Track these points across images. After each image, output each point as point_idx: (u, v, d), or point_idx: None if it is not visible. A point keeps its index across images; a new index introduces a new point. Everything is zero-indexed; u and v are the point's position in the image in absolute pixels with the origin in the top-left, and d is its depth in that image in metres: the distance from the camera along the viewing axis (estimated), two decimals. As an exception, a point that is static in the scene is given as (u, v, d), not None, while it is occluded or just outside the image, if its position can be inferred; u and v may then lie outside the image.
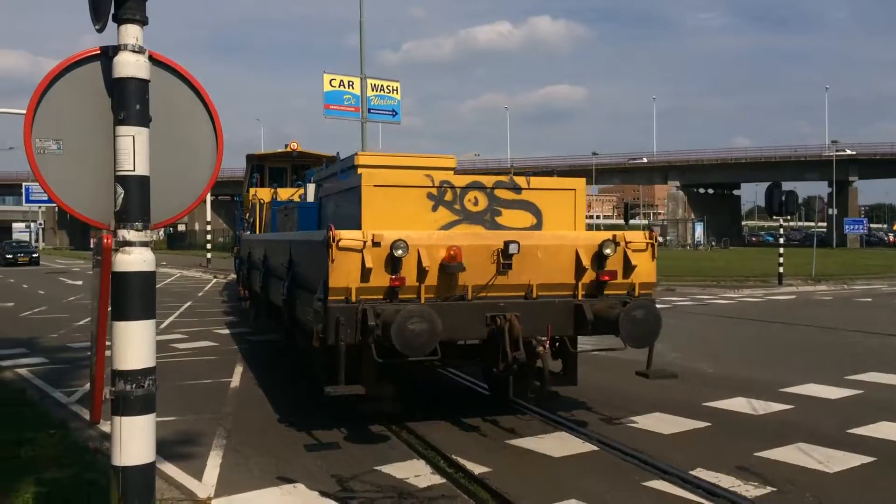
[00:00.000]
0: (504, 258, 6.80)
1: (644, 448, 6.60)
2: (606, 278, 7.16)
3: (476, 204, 7.44)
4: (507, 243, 6.76)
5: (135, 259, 3.05)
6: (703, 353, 12.25)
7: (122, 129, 2.98)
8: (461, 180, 7.59)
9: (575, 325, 7.13)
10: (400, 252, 6.44)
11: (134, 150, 2.97)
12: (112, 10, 2.91)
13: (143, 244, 3.09)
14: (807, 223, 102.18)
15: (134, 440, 3.04)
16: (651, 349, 7.41)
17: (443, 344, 6.49)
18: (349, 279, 6.46)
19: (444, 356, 6.73)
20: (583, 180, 8.13)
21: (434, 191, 7.31)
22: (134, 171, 2.99)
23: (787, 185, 25.65)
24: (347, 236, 6.51)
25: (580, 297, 7.16)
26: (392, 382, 7.29)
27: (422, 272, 6.60)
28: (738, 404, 8.32)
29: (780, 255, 25.85)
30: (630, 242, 7.32)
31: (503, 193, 7.56)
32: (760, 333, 14.69)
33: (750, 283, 26.32)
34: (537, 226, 7.63)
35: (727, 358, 11.79)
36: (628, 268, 7.28)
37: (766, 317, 17.15)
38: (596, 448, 6.68)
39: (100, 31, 2.92)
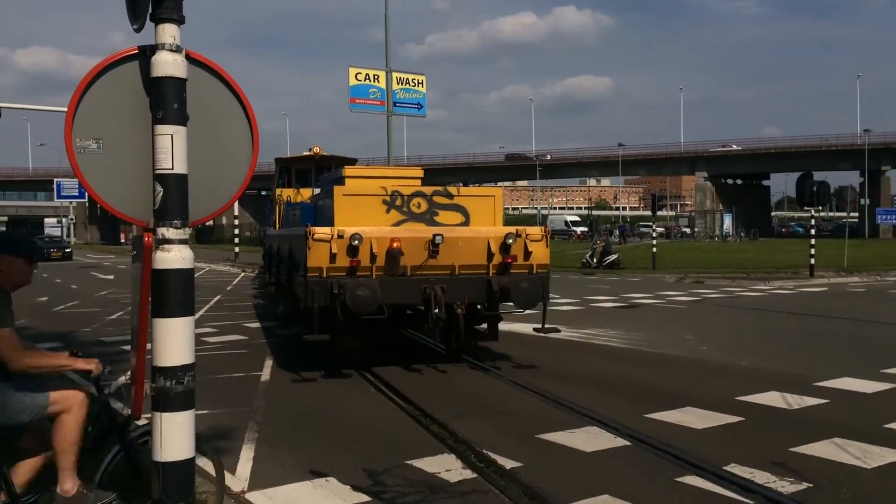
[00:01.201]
0: (433, 246, 9.24)
1: (676, 443, 6.55)
2: (510, 261, 9.60)
3: (419, 207, 9.83)
4: (434, 236, 9.24)
5: (174, 256, 3.07)
6: (734, 346, 12.13)
7: (161, 128, 3.00)
8: (408, 190, 9.91)
9: (486, 294, 9.62)
10: (356, 242, 8.94)
11: (172, 148, 2.99)
12: (150, 10, 2.93)
13: (182, 242, 3.11)
14: (838, 213, 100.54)
15: (174, 436, 3.07)
16: (544, 310, 10.12)
17: (392, 307, 9.44)
18: (321, 261, 9.01)
19: (392, 317, 9.63)
20: (500, 189, 10.93)
21: (388, 198, 9.73)
22: (172, 169, 3.01)
23: (817, 175, 25.26)
24: (320, 231, 9.09)
25: (490, 275, 9.59)
26: (359, 338, 10.06)
27: (373, 256, 9.09)
28: (772, 398, 8.22)
29: (812, 246, 25.49)
30: (529, 235, 9.71)
31: (440, 199, 9.93)
32: (793, 326, 14.51)
33: (781, 275, 25.99)
34: (465, 223, 9.93)
35: (759, 351, 11.67)
36: (527, 253, 9.68)
37: (797, 309, 16.95)
38: (628, 443, 6.64)
39: (138, 30, 2.93)
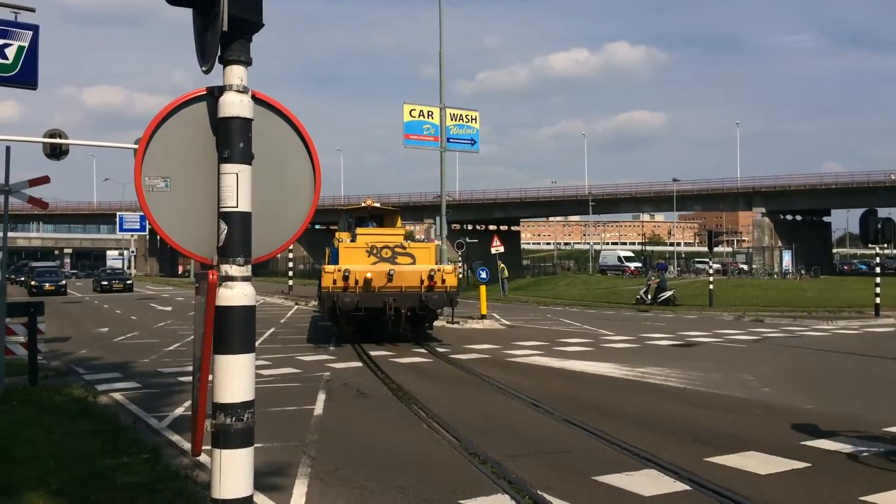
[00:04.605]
0: (389, 276, 16.55)
1: (739, 489, 6.32)
2: (433, 284, 16.79)
3: (387, 254, 17.23)
4: (389, 270, 16.61)
5: (236, 294, 3.09)
6: (798, 388, 11.73)
7: (227, 167, 3.04)
8: (381, 244, 17.42)
9: (420, 303, 16.76)
10: (347, 273, 16.37)
11: (237, 187, 3.03)
12: (219, 53, 2.99)
13: (245, 279, 3.13)
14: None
15: (233, 473, 3.06)
16: (452, 311, 19.17)
17: (366, 309, 16.60)
18: (328, 283, 16.56)
19: (366, 313, 16.85)
20: (435, 243, 20.28)
21: (368, 249, 17.29)
22: (237, 207, 3.04)
23: (881, 212, 24.44)
24: (328, 267, 16.96)
25: (422, 292, 16.73)
26: (355, 326, 17.75)
27: (356, 281, 16.43)
28: (840, 443, 7.89)
29: (877, 284, 24.67)
30: (445, 270, 17.30)
31: (399, 249, 17.38)
32: (859, 368, 13.99)
33: (844, 314, 25.18)
34: (413, 263, 17.26)
35: (824, 394, 11.25)
36: (443, 280, 16.91)
37: (864, 350, 16.34)
38: (688, 487, 6.42)
39: (207, 72, 2.99)
